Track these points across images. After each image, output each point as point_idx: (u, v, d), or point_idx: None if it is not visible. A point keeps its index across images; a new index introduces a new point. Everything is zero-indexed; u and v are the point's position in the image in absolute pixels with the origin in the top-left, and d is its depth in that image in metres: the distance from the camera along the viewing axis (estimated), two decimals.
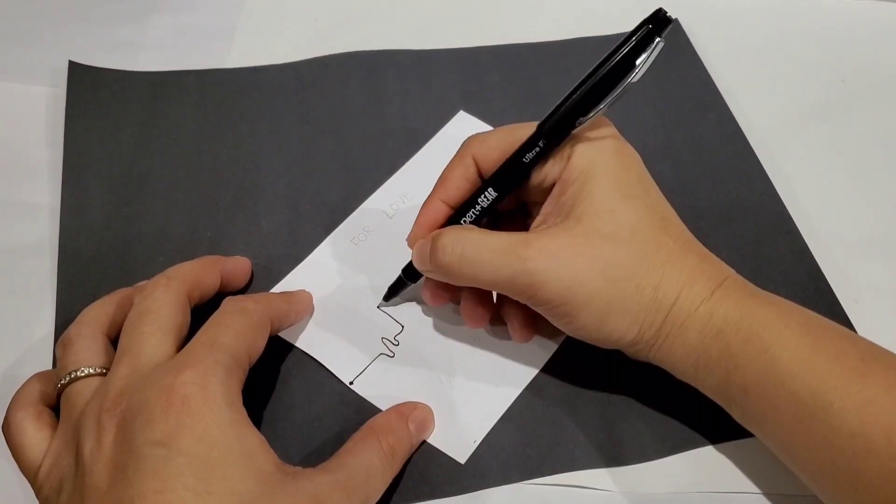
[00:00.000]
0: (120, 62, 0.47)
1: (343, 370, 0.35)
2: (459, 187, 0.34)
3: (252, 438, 0.27)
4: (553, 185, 0.32)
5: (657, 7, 0.31)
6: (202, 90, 0.46)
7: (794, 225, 0.41)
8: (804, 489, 0.31)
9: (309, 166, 0.43)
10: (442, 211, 0.34)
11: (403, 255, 0.38)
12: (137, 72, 0.46)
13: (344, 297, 0.38)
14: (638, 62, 0.28)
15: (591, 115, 0.30)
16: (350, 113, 0.45)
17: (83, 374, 0.29)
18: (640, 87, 0.48)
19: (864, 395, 0.27)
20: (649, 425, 0.34)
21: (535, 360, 0.36)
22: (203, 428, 0.26)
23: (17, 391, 0.31)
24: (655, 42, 0.28)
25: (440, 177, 0.34)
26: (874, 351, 0.29)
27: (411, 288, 0.37)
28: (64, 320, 0.36)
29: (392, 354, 0.36)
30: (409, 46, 0.49)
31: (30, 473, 0.28)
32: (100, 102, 0.45)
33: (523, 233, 0.31)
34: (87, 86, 0.45)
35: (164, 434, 0.25)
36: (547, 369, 0.36)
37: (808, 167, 0.44)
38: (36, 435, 0.29)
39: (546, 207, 0.32)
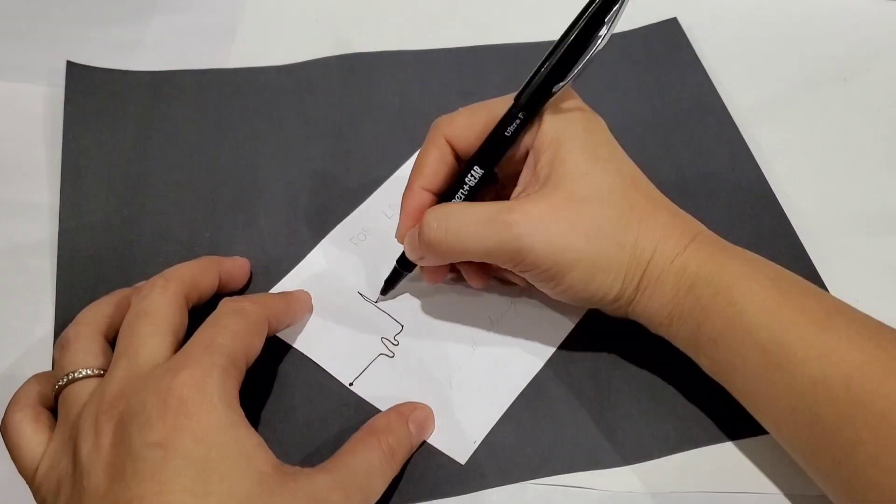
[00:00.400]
0: (120, 62, 0.47)
1: (342, 371, 0.35)
2: (438, 171, 0.34)
3: (250, 439, 0.27)
4: (526, 154, 0.33)
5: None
6: (201, 91, 0.46)
7: (792, 227, 0.41)
8: (805, 489, 0.31)
9: (308, 167, 0.43)
10: (425, 198, 0.34)
11: None
12: (136, 72, 0.46)
13: (343, 297, 0.38)
14: (606, 19, 0.29)
15: (568, 79, 0.30)
16: (349, 113, 0.45)
17: (80, 376, 0.29)
18: (639, 88, 0.48)
19: (827, 345, 0.28)
20: (649, 425, 0.34)
21: (535, 359, 0.36)
22: (200, 429, 0.26)
23: (16, 392, 0.31)
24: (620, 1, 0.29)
25: (415, 164, 0.34)
26: (838, 306, 0.30)
27: (407, 281, 0.37)
28: (63, 321, 0.36)
29: (392, 354, 0.36)
30: (409, 46, 0.49)
31: (27, 474, 0.28)
32: (98, 103, 0.45)
33: (505, 201, 0.32)
34: (85, 86, 0.45)
35: (161, 436, 0.25)
36: (547, 369, 0.36)
37: (807, 167, 0.44)
38: (34, 436, 0.29)
39: (524, 177, 0.33)
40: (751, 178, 0.43)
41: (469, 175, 0.33)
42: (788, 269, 0.39)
